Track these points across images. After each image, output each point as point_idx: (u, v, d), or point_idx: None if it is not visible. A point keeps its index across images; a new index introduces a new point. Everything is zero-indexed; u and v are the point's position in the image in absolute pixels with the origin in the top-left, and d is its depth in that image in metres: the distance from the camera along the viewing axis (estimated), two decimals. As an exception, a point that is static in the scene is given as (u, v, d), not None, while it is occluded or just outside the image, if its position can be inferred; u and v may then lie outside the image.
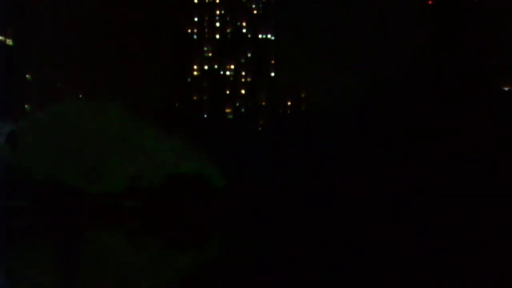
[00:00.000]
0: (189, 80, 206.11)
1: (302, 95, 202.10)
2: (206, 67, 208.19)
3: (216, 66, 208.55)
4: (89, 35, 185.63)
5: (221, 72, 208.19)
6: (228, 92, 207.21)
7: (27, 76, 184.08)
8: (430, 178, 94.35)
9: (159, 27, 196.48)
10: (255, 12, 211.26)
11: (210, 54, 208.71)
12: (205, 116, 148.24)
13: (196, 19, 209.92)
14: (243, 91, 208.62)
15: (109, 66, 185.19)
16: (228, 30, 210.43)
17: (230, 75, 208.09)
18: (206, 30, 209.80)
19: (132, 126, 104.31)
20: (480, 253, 57.78)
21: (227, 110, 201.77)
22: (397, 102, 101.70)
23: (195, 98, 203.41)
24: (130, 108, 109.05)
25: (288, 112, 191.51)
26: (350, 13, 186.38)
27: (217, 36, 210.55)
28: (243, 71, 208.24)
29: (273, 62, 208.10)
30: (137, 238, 73.93)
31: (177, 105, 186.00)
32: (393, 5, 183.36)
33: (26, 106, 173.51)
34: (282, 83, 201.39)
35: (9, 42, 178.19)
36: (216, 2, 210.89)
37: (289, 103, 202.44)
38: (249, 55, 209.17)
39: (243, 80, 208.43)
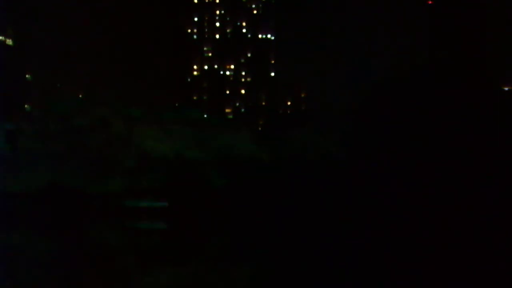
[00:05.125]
0: (189, 80, 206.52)
1: (302, 95, 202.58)
2: (206, 67, 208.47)
3: (216, 66, 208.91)
4: (89, 36, 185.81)
5: (221, 72, 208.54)
6: (228, 92, 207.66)
7: (27, 76, 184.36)
8: (431, 177, 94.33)
9: (159, 27, 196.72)
10: (255, 12, 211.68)
11: (210, 54, 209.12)
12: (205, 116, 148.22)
13: (196, 19, 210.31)
14: (243, 91, 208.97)
15: (109, 66, 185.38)
16: (228, 30, 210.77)
17: (230, 75, 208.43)
18: (206, 30, 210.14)
19: (132, 125, 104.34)
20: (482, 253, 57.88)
21: (227, 110, 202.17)
22: (397, 101, 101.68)
23: (195, 98, 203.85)
24: (130, 108, 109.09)
25: (288, 112, 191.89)
26: (350, 13, 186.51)
27: (217, 36, 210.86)
28: (243, 71, 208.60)
29: (273, 62, 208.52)
30: (137, 238, 73.97)
31: (177, 104, 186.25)
32: (393, 5, 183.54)
33: (26, 106, 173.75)
34: (282, 83, 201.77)
35: (9, 42, 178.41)
36: (216, 2, 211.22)
37: (289, 103, 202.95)
38: (249, 55, 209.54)
39: (243, 80, 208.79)
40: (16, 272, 47.06)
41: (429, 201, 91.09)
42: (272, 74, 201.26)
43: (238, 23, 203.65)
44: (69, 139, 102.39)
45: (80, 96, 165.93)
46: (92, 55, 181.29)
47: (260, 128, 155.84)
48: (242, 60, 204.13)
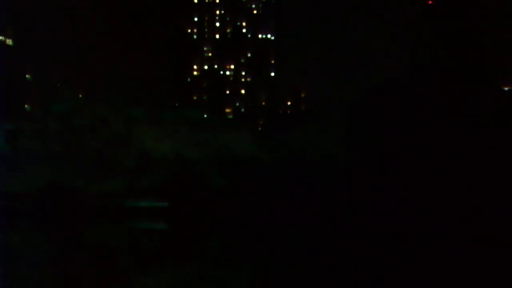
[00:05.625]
0: (189, 80, 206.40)
1: (302, 95, 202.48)
2: (206, 67, 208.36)
3: (216, 66, 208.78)
4: (89, 36, 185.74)
5: (221, 72, 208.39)
6: (228, 92, 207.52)
7: (27, 76, 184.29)
8: (431, 177, 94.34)
9: (159, 27, 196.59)
10: (255, 12, 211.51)
11: (210, 54, 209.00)
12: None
13: (196, 19, 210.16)
14: (243, 91, 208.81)
15: (109, 66, 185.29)
16: (228, 30, 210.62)
17: (230, 75, 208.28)
18: (206, 30, 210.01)
19: (132, 125, 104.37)
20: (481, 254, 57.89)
21: (227, 110, 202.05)
22: (397, 101, 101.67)
23: (195, 98, 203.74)
24: (130, 108, 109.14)
25: (288, 112, 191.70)
26: (350, 13, 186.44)
27: (217, 36, 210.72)
28: (243, 71, 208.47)
29: (273, 62, 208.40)
30: (137, 238, 73.97)
31: (177, 104, 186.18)
32: (393, 5, 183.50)
33: (26, 106, 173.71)
34: (282, 83, 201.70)
35: (9, 42, 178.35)
36: (216, 2, 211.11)
37: (289, 103, 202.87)
38: (249, 55, 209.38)
39: (243, 80, 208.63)
40: (16, 272, 47.06)
41: (430, 200, 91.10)
42: (272, 74, 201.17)
43: (238, 23, 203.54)
44: (69, 139, 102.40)
45: (80, 96, 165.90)
46: (92, 55, 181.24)
47: (260, 128, 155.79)
48: (242, 60, 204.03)
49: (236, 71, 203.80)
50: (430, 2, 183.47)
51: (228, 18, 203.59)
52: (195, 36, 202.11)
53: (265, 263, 51.85)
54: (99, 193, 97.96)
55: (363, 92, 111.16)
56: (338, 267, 48.86)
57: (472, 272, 47.06)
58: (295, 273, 45.95)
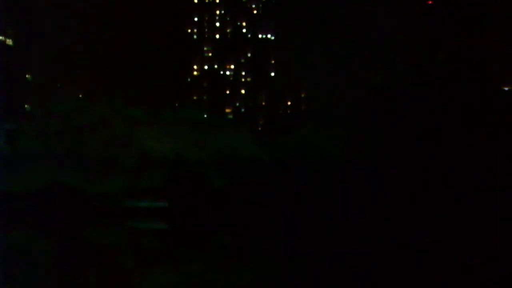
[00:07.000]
0: (189, 80, 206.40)
1: (302, 95, 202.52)
2: (206, 67, 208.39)
3: (216, 66, 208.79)
4: (89, 36, 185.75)
5: (221, 72, 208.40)
6: (228, 92, 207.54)
7: (27, 76, 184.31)
8: (431, 177, 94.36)
9: (159, 27, 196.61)
10: (255, 12, 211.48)
11: (210, 54, 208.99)
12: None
13: (196, 19, 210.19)
14: (243, 91, 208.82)
15: (109, 66, 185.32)
16: (228, 30, 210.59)
17: (230, 75, 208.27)
18: (206, 30, 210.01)
19: (132, 125, 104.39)
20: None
21: (227, 110, 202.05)
22: (397, 101, 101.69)
23: (195, 98, 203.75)
24: (130, 108, 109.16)
25: (288, 112, 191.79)
26: (350, 13, 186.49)
27: (217, 36, 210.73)
28: (243, 71, 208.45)
29: (273, 62, 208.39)
30: (137, 238, 73.95)
31: (177, 104, 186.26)
32: (393, 5, 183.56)
33: (26, 106, 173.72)
34: (282, 83, 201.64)
35: (9, 42, 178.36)
36: (216, 2, 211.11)
37: (289, 103, 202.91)
38: (249, 55, 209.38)
39: (243, 80, 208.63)
40: (16, 272, 47.06)
41: (430, 201, 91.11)
42: (272, 74, 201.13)
43: (238, 23, 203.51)
44: (69, 139, 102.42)
45: (80, 96, 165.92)
46: (92, 55, 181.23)
47: (260, 128, 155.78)
48: (242, 60, 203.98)
49: (236, 71, 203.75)
50: (430, 2, 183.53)
51: (228, 18, 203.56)
52: (195, 36, 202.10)
53: (266, 263, 51.86)
54: (99, 193, 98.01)
55: (363, 92, 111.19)
56: (339, 267, 48.87)
57: (472, 272, 47.10)
58: (296, 273, 45.96)
